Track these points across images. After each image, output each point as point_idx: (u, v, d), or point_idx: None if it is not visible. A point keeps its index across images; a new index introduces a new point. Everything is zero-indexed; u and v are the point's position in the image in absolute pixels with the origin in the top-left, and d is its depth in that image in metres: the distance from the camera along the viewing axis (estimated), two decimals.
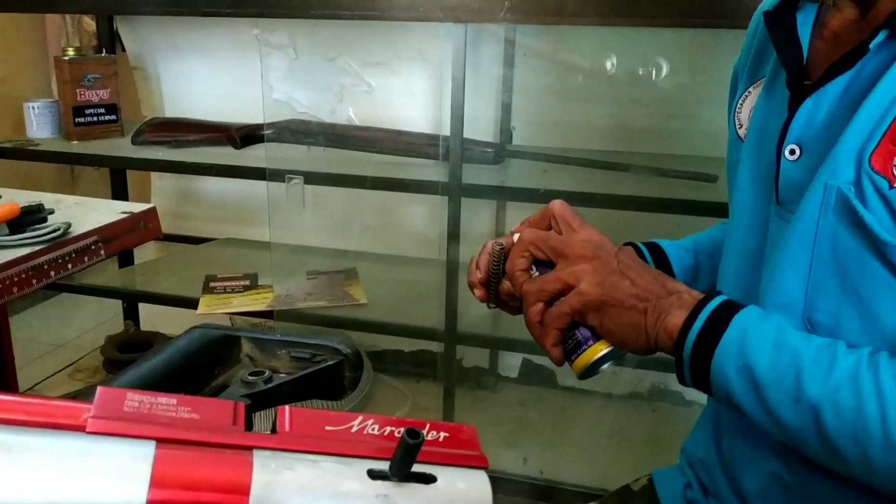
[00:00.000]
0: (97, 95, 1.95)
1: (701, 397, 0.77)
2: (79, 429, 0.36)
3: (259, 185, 1.89)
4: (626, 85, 1.78)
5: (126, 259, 2.24)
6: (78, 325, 2.54)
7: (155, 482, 0.35)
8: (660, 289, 0.63)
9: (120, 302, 2.31)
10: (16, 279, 0.90)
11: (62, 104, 1.95)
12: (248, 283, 1.92)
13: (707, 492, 0.76)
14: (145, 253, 2.46)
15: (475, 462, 0.41)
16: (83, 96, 1.93)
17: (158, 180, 2.35)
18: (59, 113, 1.97)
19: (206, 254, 2.21)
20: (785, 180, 0.63)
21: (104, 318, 2.49)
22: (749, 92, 0.73)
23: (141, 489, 0.34)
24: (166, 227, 2.39)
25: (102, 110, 1.96)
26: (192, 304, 1.82)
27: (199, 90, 2.20)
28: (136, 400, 0.38)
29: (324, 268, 2.02)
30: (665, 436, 1.85)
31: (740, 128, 0.73)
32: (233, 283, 1.91)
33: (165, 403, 0.39)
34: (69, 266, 0.98)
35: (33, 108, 1.99)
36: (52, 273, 0.95)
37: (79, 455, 0.35)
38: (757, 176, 0.68)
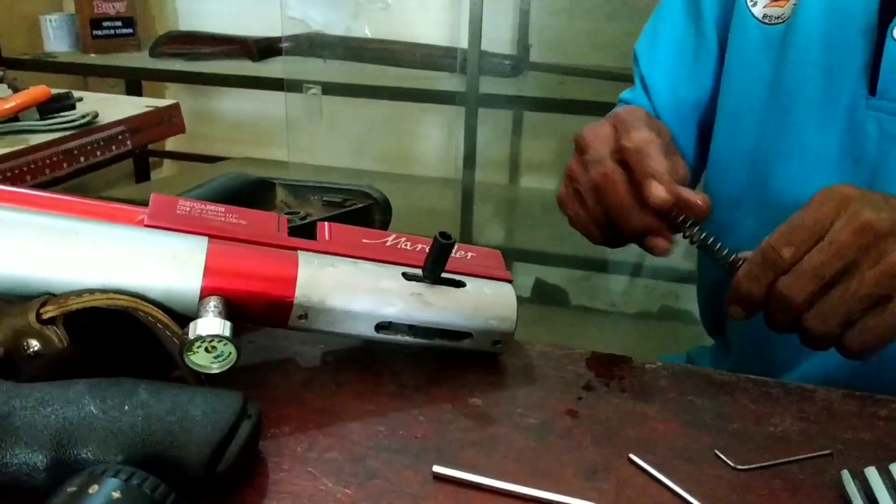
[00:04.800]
0: (113, 8, 1.94)
1: None
2: (136, 224, 0.39)
3: (274, 105, 1.88)
4: (645, 2, 1.76)
5: (142, 175, 2.27)
6: None
7: (209, 271, 0.37)
8: None
9: None
10: (47, 161, 0.93)
11: (79, 17, 1.95)
12: None
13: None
14: (160, 172, 2.49)
15: (501, 277, 0.44)
16: (100, 9, 1.93)
17: (173, 99, 2.35)
18: (76, 26, 1.97)
19: (222, 171, 2.23)
20: (893, 66, 0.54)
21: None
22: None
23: (196, 276, 0.37)
24: (180, 147, 2.41)
25: (119, 23, 1.96)
26: None
27: (214, 8, 2.18)
28: (187, 206, 0.41)
29: None
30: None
31: (754, 6, 0.62)
32: None
33: (214, 210, 0.41)
34: (97, 154, 1.00)
35: (50, 20, 1.98)
36: (82, 159, 0.98)
37: (138, 242, 0.37)
38: (825, 64, 0.57)
